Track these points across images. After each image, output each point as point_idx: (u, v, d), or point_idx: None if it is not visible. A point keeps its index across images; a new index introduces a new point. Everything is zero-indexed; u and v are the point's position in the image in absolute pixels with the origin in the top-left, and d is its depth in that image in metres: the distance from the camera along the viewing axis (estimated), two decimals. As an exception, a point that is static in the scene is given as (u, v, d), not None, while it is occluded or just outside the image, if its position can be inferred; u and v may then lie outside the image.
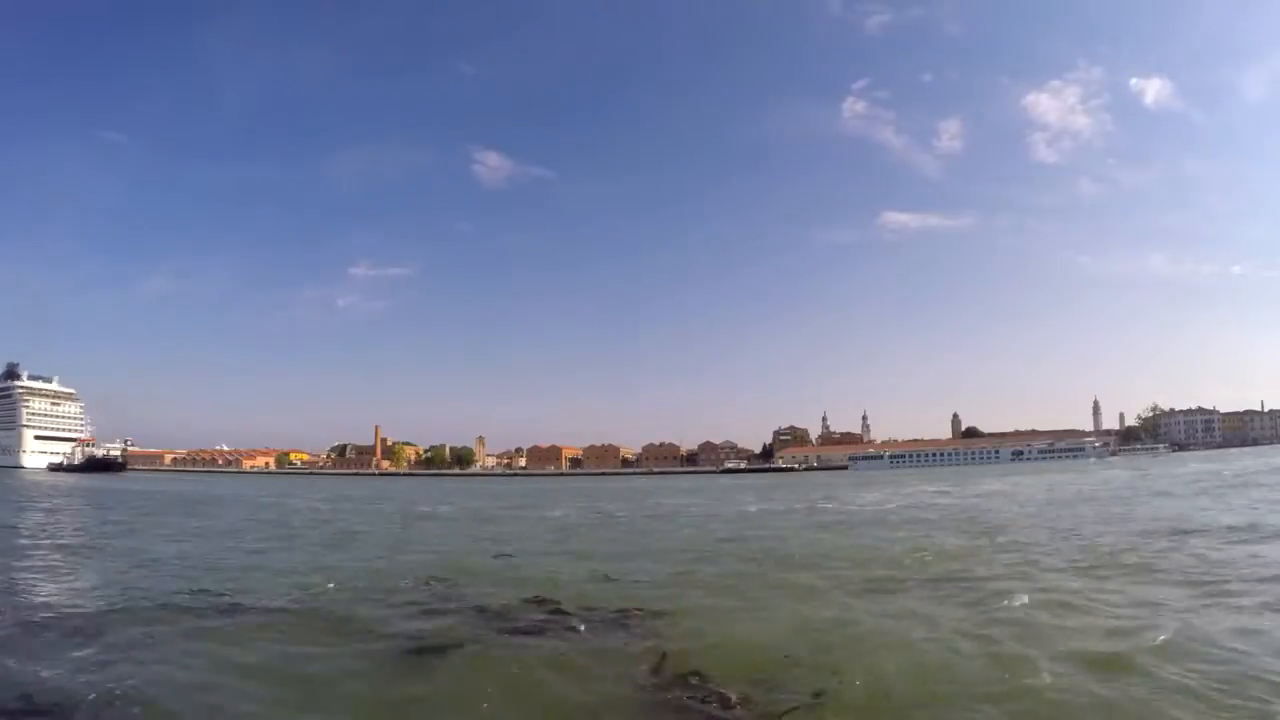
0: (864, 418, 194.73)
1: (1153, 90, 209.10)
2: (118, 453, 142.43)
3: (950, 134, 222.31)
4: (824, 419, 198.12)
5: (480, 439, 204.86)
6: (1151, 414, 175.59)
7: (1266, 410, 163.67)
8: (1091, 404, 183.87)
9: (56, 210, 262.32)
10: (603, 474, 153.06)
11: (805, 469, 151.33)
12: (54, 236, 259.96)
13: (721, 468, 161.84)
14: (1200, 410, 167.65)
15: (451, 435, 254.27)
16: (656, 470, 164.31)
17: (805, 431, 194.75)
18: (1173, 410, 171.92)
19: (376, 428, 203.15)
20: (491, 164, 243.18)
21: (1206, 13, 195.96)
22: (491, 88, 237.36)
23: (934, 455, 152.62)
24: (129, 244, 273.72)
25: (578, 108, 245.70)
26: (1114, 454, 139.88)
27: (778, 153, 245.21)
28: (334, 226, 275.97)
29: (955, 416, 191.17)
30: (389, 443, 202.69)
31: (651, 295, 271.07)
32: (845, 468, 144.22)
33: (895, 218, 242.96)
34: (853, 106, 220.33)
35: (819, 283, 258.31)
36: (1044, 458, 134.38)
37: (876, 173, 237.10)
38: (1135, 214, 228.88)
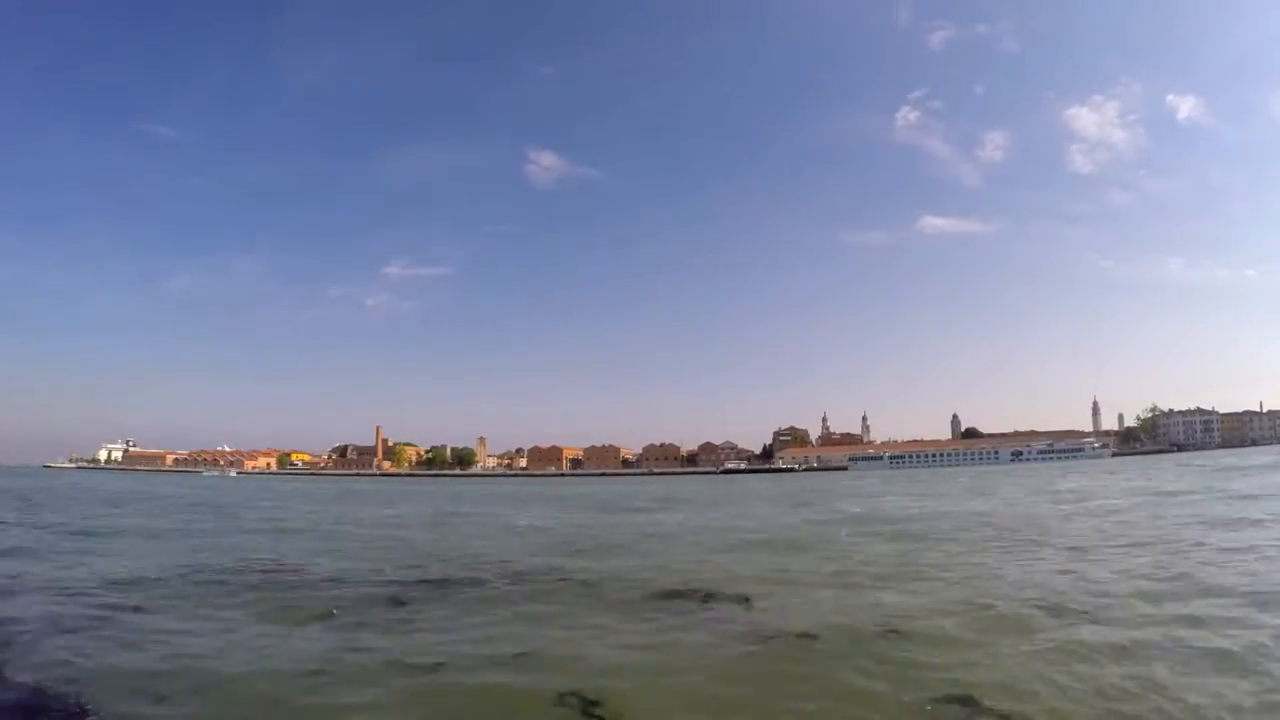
0: (864, 418, 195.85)
1: (1186, 106, 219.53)
2: None
3: (994, 144, 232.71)
4: (824, 420, 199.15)
5: (481, 440, 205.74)
6: (1150, 415, 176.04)
7: (1265, 411, 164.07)
8: (1091, 405, 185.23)
9: (87, 205, 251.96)
10: (603, 474, 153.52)
11: (805, 469, 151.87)
12: (80, 232, 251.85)
13: (722, 468, 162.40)
14: (1199, 411, 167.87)
15: (452, 436, 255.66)
16: (657, 470, 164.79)
17: (805, 432, 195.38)
18: (1171, 411, 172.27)
19: (378, 428, 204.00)
20: (545, 164, 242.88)
21: (1242, 36, 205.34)
22: (562, 89, 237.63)
23: (934, 456, 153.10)
24: (160, 241, 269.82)
25: (640, 109, 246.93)
26: (1115, 455, 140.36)
27: (827, 157, 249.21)
28: (375, 224, 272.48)
29: (955, 417, 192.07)
30: (390, 443, 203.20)
31: (653, 297, 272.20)
32: (845, 468, 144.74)
33: (933, 222, 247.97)
34: (906, 115, 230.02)
35: (832, 285, 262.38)
36: (1044, 458, 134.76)
37: (920, 179, 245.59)
38: (1160, 221, 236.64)
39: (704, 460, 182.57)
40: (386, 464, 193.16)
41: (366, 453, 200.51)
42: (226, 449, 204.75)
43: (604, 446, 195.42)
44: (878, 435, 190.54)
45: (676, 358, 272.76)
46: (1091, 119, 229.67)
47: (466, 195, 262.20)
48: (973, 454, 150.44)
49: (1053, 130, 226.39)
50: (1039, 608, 10.99)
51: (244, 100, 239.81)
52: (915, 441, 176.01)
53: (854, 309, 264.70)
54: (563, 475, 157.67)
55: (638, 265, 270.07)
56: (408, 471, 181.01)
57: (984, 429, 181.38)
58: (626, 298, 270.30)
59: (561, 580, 14.58)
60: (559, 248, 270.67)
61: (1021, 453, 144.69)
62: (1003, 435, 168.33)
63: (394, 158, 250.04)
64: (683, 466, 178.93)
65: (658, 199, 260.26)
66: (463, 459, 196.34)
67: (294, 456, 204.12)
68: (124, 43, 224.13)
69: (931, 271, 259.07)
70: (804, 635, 9.72)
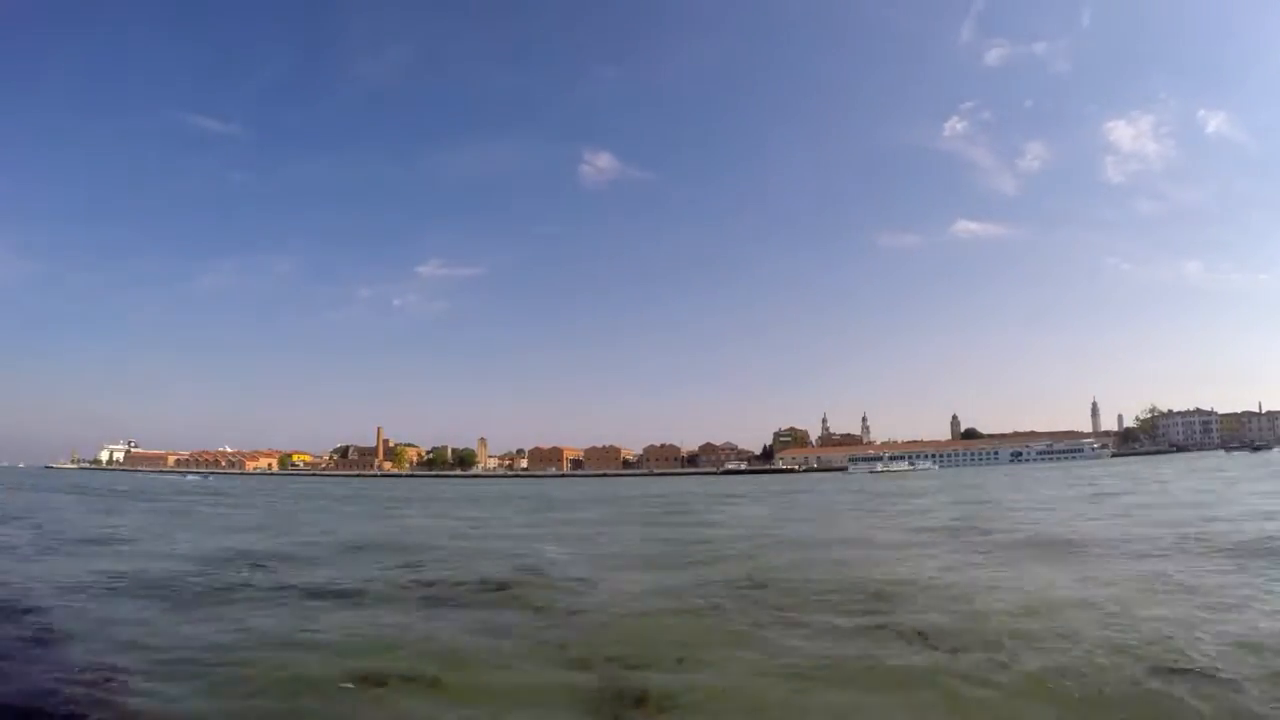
0: (864, 419, 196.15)
1: (1216, 121, 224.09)
2: None
3: (1033, 154, 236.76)
4: (824, 420, 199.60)
5: (482, 440, 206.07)
6: (1150, 415, 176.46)
7: (1265, 411, 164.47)
8: (1090, 405, 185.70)
9: (122, 201, 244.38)
10: (604, 475, 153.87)
11: (805, 470, 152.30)
12: (112, 230, 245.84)
13: (722, 469, 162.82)
14: (1199, 411, 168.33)
15: (452, 436, 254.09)
16: (657, 471, 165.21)
17: (805, 433, 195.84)
18: (1171, 411, 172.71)
19: (379, 429, 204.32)
20: (600, 165, 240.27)
21: (1274, 56, 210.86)
22: (624, 91, 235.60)
23: (934, 456, 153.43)
24: (194, 239, 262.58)
25: (702, 113, 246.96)
26: (1114, 455, 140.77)
27: (875, 163, 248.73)
28: (421, 224, 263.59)
29: (954, 418, 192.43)
30: (391, 444, 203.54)
31: (661, 301, 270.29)
32: (845, 469, 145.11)
33: (966, 226, 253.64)
34: (954, 125, 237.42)
35: (850, 288, 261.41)
36: (1043, 459, 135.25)
37: (959, 185, 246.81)
38: (1183, 228, 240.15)
39: (704, 461, 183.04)
40: (388, 465, 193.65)
41: (368, 453, 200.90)
42: (228, 449, 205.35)
43: (605, 447, 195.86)
44: (878, 435, 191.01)
45: (679, 360, 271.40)
46: (1127, 132, 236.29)
47: (516, 195, 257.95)
48: (972, 454, 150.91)
49: (1090, 142, 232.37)
50: None
51: (300, 96, 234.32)
52: (915, 442, 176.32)
53: (864, 311, 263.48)
54: (564, 476, 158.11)
55: (653, 269, 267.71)
56: (409, 473, 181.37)
57: (983, 429, 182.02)
58: (630, 301, 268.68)
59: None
60: (591, 249, 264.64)
61: (1021, 453, 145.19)
62: (1002, 436, 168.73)
63: (449, 157, 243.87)
64: (683, 467, 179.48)
65: (700, 201, 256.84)
66: (464, 459, 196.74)
67: (295, 457, 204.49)
68: (178, 33, 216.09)
69: (949, 274, 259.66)
70: None
